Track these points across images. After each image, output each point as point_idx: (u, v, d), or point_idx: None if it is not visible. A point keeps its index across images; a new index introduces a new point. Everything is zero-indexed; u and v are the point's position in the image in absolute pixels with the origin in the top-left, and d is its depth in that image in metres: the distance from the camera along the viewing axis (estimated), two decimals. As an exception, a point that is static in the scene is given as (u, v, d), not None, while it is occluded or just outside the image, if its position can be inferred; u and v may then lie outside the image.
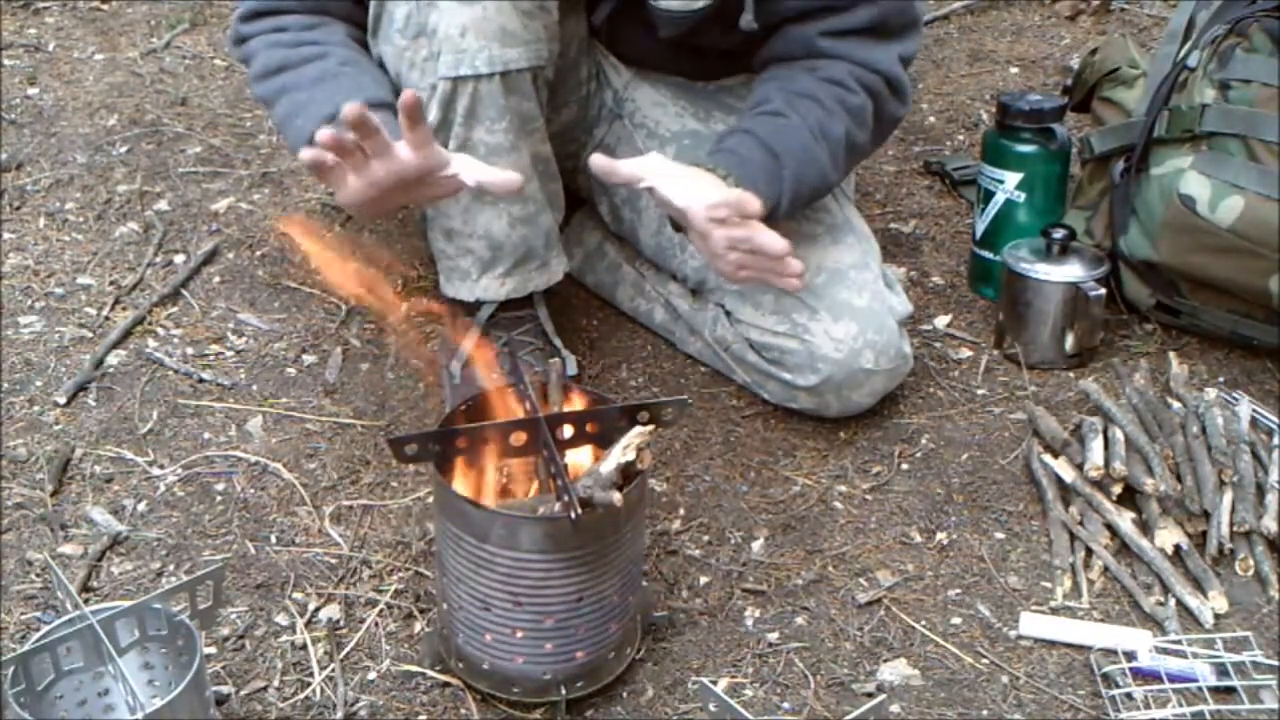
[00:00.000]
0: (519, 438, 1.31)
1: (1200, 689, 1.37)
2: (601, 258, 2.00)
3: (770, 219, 1.58)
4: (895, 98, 1.72)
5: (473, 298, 1.74)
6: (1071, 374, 1.89)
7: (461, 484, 1.33)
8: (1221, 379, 1.88)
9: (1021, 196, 2.01)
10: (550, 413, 1.34)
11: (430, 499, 1.60)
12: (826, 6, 1.65)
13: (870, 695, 1.36)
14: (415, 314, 1.93)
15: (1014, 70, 2.87)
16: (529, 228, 1.70)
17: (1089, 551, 1.56)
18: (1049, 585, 1.53)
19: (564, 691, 1.32)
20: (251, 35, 1.67)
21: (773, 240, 1.49)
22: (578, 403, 1.37)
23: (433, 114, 1.58)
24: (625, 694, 1.38)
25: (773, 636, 1.45)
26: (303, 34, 1.64)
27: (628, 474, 1.27)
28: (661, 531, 1.60)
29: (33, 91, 2.63)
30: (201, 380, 1.83)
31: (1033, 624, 1.46)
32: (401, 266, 2.07)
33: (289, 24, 1.65)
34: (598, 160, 1.51)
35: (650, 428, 1.30)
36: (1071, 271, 1.87)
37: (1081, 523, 1.58)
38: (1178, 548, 1.53)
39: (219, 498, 1.63)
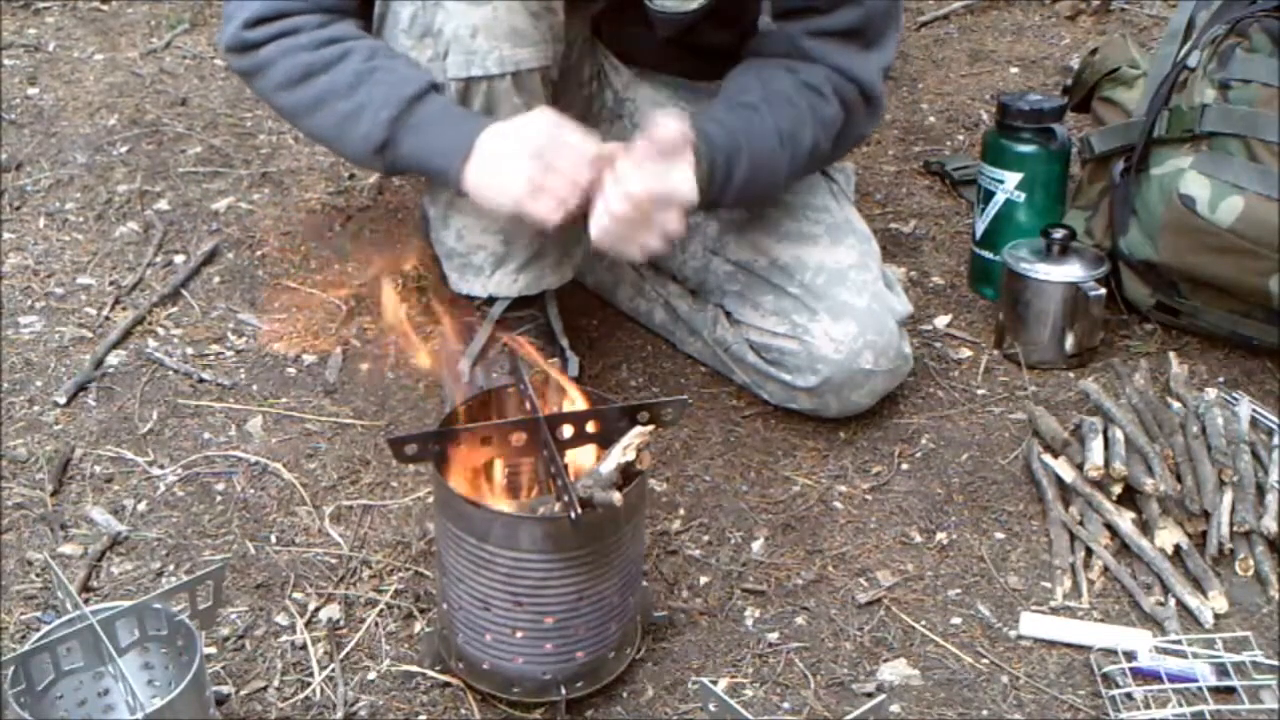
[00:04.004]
0: (519, 438, 1.31)
1: (1200, 689, 1.37)
2: (601, 257, 2.00)
3: (705, 209, 1.64)
4: (868, 112, 1.71)
5: (486, 293, 1.73)
6: (1071, 374, 1.89)
7: (461, 484, 1.33)
8: (1221, 379, 1.88)
9: (1021, 196, 2.01)
10: (550, 413, 1.34)
11: (430, 499, 1.60)
12: (811, 6, 1.64)
13: (870, 695, 1.36)
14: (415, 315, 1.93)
15: (1014, 70, 2.87)
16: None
17: (1089, 551, 1.56)
18: (1049, 585, 1.53)
19: (564, 691, 1.32)
20: (260, 42, 1.60)
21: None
22: (578, 402, 1.38)
23: None
24: (625, 694, 1.38)
25: (773, 636, 1.45)
26: (318, 33, 1.59)
27: (628, 474, 1.27)
28: (661, 531, 1.60)
29: (33, 91, 2.63)
30: (201, 380, 1.83)
31: (1033, 624, 1.46)
32: (401, 266, 2.07)
33: (301, 25, 1.59)
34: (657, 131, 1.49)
35: (650, 428, 1.30)
36: (1071, 271, 1.87)
37: (1081, 523, 1.58)
38: (1178, 548, 1.53)
39: (219, 498, 1.63)
